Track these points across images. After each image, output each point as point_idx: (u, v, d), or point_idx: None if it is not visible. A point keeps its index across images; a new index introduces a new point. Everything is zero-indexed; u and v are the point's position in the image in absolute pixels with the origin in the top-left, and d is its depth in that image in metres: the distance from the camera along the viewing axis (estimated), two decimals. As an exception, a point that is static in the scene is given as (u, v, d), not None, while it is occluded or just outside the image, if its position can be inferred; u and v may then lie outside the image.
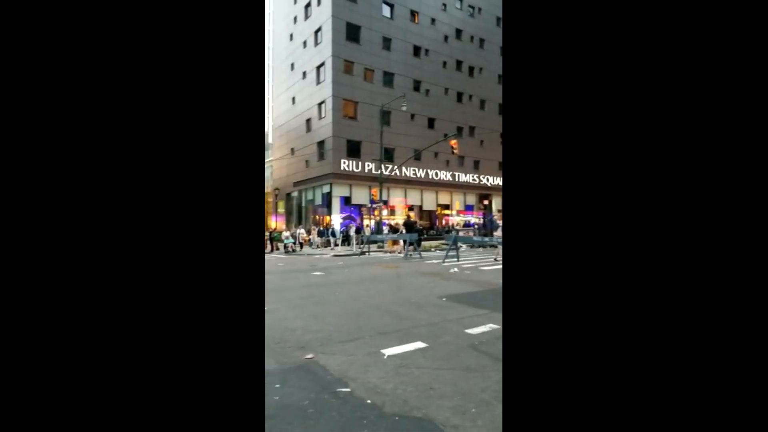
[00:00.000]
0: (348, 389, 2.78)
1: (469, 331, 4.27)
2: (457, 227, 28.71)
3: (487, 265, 11.00)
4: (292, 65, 30.23)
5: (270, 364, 3.34)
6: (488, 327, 4.41)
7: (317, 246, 20.94)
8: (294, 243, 19.30)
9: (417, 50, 29.21)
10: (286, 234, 20.16)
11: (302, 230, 21.95)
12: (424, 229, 25.66)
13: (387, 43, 27.65)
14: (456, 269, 10.06)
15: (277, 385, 2.86)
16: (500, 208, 33.07)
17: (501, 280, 7.97)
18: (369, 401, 2.59)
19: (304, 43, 28.61)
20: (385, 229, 23.18)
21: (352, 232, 21.13)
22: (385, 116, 24.71)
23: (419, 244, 15.34)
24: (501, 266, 10.40)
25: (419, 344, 3.77)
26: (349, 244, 20.24)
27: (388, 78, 27.58)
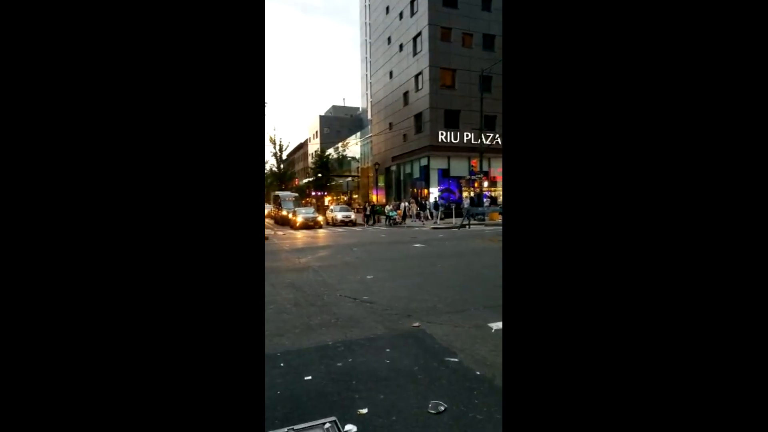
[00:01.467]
0: (456, 359, 2.80)
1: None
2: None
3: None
4: (389, 39, 30.20)
5: (378, 329, 3.52)
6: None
7: (422, 218, 21.23)
8: (395, 216, 19.87)
9: (521, 5, 26.62)
10: (388, 207, 20.84)
11: (409, 203, 22.34)
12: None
13: (487, 3, 25.77)
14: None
15: (388, 350, 3.01)
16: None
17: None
18: (478, 372, 2.57)
19: (401, 15, 28.25)
20: (486, 201, 22.38)
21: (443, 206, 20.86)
22: (486, 82, 23.35)
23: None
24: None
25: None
26: (449, 217, 20.09)
27: (489, 41, 25.83)
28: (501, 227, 13.83)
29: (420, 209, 22.02)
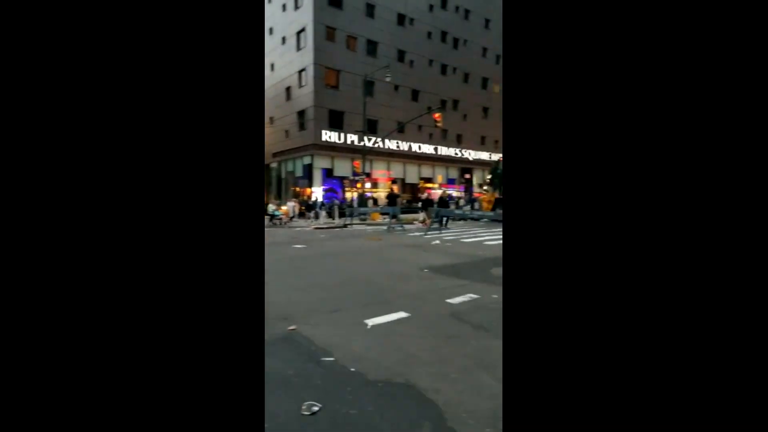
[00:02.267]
0: (332, 358, 2.83)
1: (450, 300, 4.37)
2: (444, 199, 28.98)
3: (468, 237, 11.19)
4: (271, 29, 28.93)
5: (253, 334, 3.33)
6: (468, 297, 4.52)
7: (309, 218, 20.76)
8: (281, 215, 19.04)
9: (401, 19, 28.33)
10: (272, 207, 19.86)
11: (294, 203, 21.50)
12: (410, 201, 25.75)
13: (370, 9, 26.68)
14: (438, 242, 10.20)
15: (261, 355, 2.87)
16: (481, 182, 33.42)
17: (480, 252, 8.15)
18: (352, 369, 2.64)
19: (284, 6, 27.32)
20: (370, 202, 23.14)
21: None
22: (369, 87, 24.16)
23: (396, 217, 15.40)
24: (480, 239, 10.60)
25: (402, 314, 3.84)
26: (331, 217, 20.19)
27: (372, 47, 26.80)
28: (381, 227, 14.50)
29: (306, 209, 21.60)
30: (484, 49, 34.18)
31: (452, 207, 17.54)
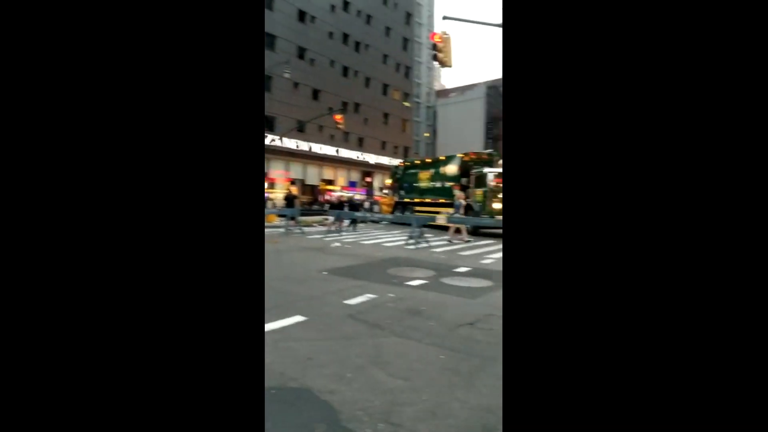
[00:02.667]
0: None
1: (348, 301, 4.45)
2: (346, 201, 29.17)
3: (367, 239, 11.47)
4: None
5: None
6: (365, 297, 4.65)
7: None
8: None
9: (302, 15, 27.80)
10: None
11: None
12: (310, 203, 25.28)
13: (269, 0, 25.62)
14: (338, 244, 10.26)
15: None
16: (382, 185, 34.51)
17: (379, 253, 8.44)
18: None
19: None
20: (269, 204, 22.14)
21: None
22: (266, 81, 23.14)
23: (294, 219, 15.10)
24: (379, 241, 10.97)
25: (298, 318, 3.78)
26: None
27: (270, 40, 25.74)
28: (278, 229, 14.00)
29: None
30: (385, 56, 35.45)
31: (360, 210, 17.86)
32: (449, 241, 10.88)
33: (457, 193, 12.58)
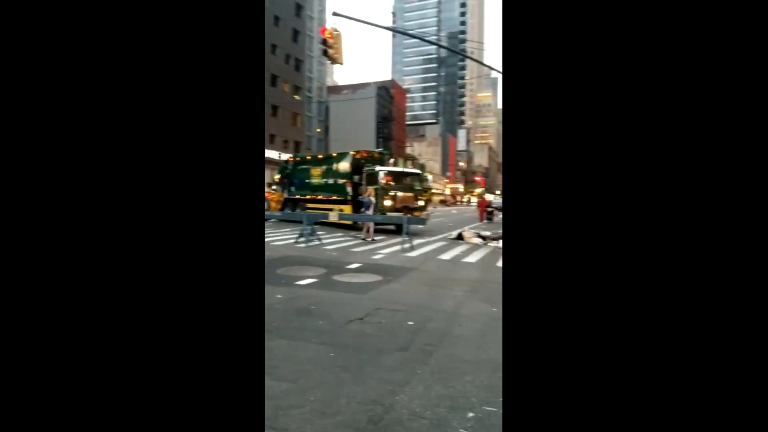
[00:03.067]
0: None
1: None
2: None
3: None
4: None
5: None
6: (252, 300, 4.38)
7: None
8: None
9: None
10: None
11: None
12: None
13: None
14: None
15: None
16: (270, 182, 32.93)
17: (267, 252, 8.03)
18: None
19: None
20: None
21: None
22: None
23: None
24: (267, 239, 10.48)
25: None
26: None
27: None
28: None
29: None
30: (274, 46, 33.96)
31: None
32: (364, 239, 10.83)
33: (369, 188, 12.58)
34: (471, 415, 2.17)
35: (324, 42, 9.86)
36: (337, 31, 9.82)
